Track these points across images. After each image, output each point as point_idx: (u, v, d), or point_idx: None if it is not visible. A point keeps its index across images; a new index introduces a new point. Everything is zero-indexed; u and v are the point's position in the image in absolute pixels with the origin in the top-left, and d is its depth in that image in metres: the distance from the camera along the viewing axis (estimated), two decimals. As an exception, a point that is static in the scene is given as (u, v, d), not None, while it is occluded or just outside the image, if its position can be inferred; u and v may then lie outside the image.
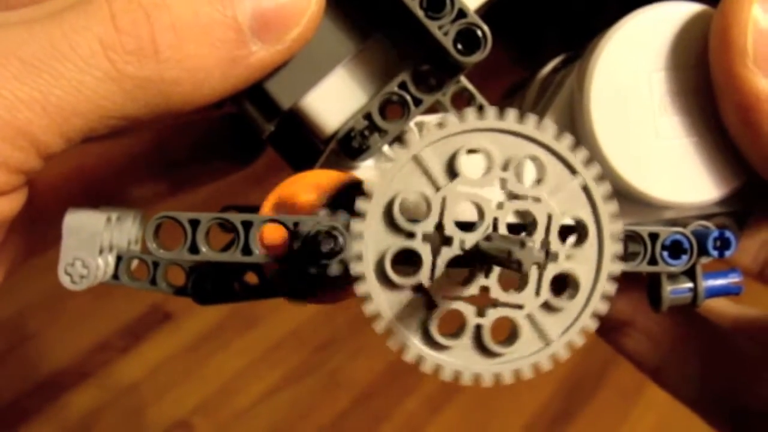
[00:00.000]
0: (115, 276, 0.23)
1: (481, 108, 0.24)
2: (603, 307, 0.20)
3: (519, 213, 0.20)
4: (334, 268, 0.20)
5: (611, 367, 0.93)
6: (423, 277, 0.20)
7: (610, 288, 0.20)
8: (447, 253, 0.20)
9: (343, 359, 0.94)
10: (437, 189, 0.20)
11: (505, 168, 0.20)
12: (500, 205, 0.20)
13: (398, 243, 0.20)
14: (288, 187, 0.22)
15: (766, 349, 0.29)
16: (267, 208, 0.22)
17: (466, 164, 0.20)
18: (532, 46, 1.33)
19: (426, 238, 0.20)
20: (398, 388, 0.90)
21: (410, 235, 0.20)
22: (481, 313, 0.20)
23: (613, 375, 0.93)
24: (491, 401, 0.90)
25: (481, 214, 0.20)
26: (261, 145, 0.29)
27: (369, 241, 0.20)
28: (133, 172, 0.29)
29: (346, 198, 0.21)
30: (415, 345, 0.20)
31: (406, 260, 0.20)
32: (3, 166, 0.19)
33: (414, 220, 0.20)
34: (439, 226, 0.20)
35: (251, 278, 0.25)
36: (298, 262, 0.21)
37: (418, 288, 0.20)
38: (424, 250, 0.20)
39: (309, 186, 0.22)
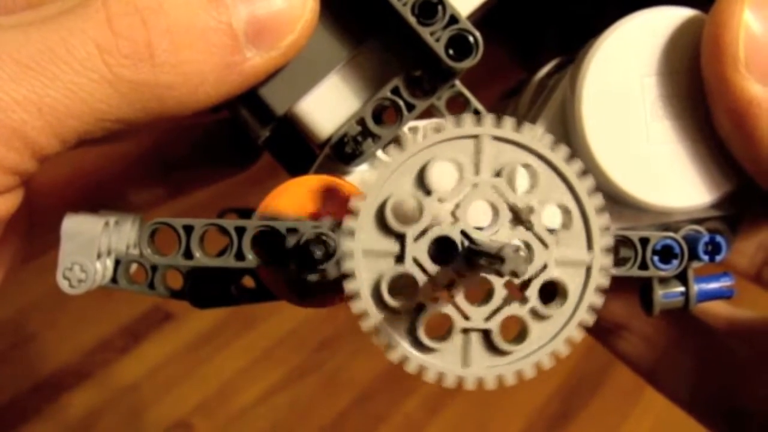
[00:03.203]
0: (114, 280, 0.23)
1: (476, 113, 0.24)
2: (598, 202, 0.20)
3: (477, 205, 0.20)
4: (329, 272, 0.20)
5: (611, 367, 0.93)
6: (461, 323, 0.20)
7: (590, 183, 0.20)
8: (457, 291, 0.20)
9: (343, 359, 0.94)
10: (400, 258, 0.20)
11: (427, 192, 0.20)
12: (454, 215, 0.20)
13: (419, 319, 0.20)
14: (275, 199, 0.22)
15: (759, 351, 0.29)
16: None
17: (402, 212, 0.20)
18: (533, 46, 1.33)
19: (426, 295, 0.20)
20: (398, 388, 0.91)
21: (420, 307, 0.20)
22: (524, 300, 0.20)
23: (613, 375, 0.93)
24: (491, 401, 0.90)
25: (448, 238, 0.20)
26: (259, 149, 0.29)
27: (392, 334, 0.20)
28: (132, 176, 0.29)
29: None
30: (502, 368, 0.20)
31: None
32: None
33: (402, 291, 0.20)
34: (432, 280, 0.20)
35: (248, 282, 0.25)
36: (290, 267, 0.21)
37: (464, 331, 0.20)
38: (442, 306, 0.20)
39: (299, 195, 0.22)
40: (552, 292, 0.21)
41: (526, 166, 0.20)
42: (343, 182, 0.23)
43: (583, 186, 0.20)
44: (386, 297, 0.20)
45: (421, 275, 0.20)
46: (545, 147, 0.20)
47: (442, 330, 0.20)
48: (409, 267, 0.20)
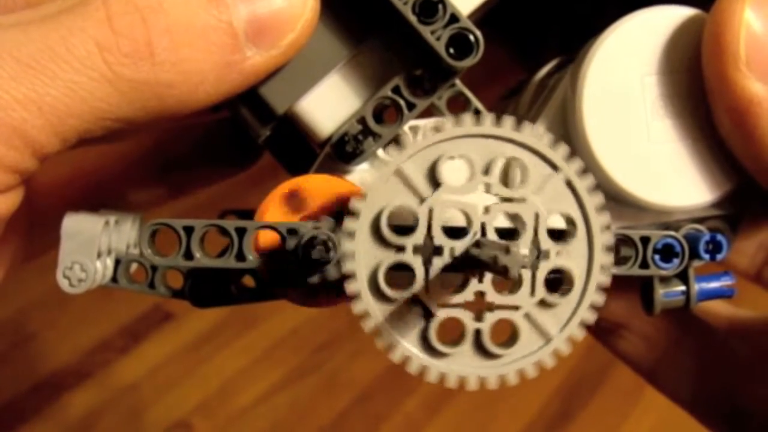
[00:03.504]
0: (114, 279, 0.23)
1: (477, 112, 0.24)
2: (599, 299, 0.20)
3: (508, 216, 0.20)
4: (329, 273, 0.20)
5: (611, 367, 0.93)
6: (417, 288, 0.20)
7: (605, 279, 0.20)
8: (439, 262, 0.20)
9: (343, 359, 0.94)
10: (422, 201, 0.20)
11: (486, 172, 0.20)
12: (487, 210, 0.20)
13: (390, 258, 0.20)
14: (310, 181, 0.22)
15: (760, 350, 0.29)
16: (280, 192, 0.22)
17: (448, 172, 0.20)
18: (534, 45, 1.33)
19: (417, 250, 0.20)
20: (398, 388, 0.91)
21: (400, 248, 0.20)
22: (479, 318, 0.20)
23: (613, 375, 0.93)
24: (491, 402, 0.90)
25: (468, 220, 0.20)
26: (259, 149, 0.29)
27: (361, 258, 0.20)
28: (133, 176, 0.29)
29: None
30: (417, 355, 0.20)
31: (399, 267, 0.20)
32: None
33: (405, 228, 0.20)
34: (429, 237, 0.20)
35: (248, 281, 0.25)
36: (290, 268, 0.21)
37: (414, 299, 0.20)
38: (416, 263, 0.20)
39: (325, 190, 0.22)
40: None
41: (571, 221, 0.20)
42: (341, 180, 0.23)
43: (597, 280, 0.20)
44: (384, 223, 0.20)
45: (424, 223, 0.20)
46: (599, 226, 0.20)
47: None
48: (422, 210, 0.20)
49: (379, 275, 0.20)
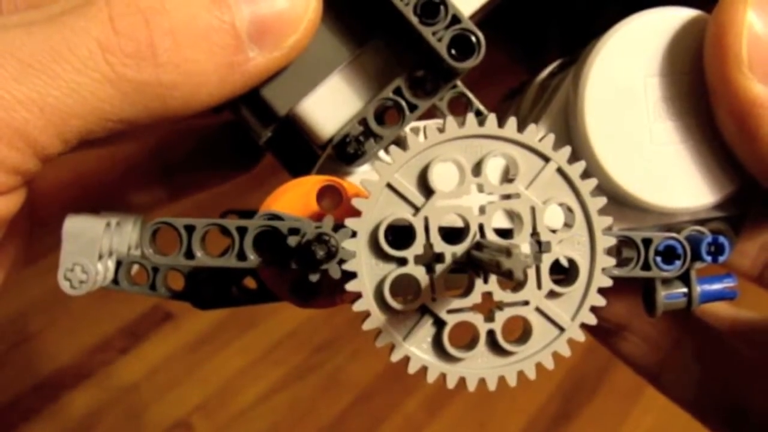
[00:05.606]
0: (115, 281, 0.23)
1: (478, 113, 0.24)
2: (606, 282, 0.21)
3: (506, 213, 0.20)
4: (331, 272, 0.20)
5: (611, 367, 0.93)
6: (425, 298, 0.20)
7: (610, 261, 0.21)
8: (441, 268, 0.20)
9: (343, 359, 0.94)
10: (416, 211, 0.20)
11: (476, 173, 0.20)
12: (482, 210, 0.20)
13: (393, 271, 0.20)
14: (276, 200, 0.22)
15: (763, 352, 0.29)
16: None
17: (440, 177, 0.20)
18: (535, 47, 1.33)
19: (418, 259, 0.20)
20: (398, 388, 0.91)
21: (402, 260, 0.20)
22: (490, 318, 0.20)
23: (613, 375, 0.93)
24: (491, 402, 0.90)
25: (465, 223, 0.20)
26: (261, 151, 0.29)
27: (365, 275, 0.20)
28: (134, 178, 0.29)
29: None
30: (433, 363, 0.20)
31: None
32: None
33: (407, 232, 0.20)
34: (429, 244, 0.20)
35: (250, 282, 0.25)
36: (292, 267, 0.21)
37: (423, 308, 0.20)
38: (420, 273, 0.20)
39: (299, 196, 0.22)
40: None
41: (568, 208, 0.20)
42: (345, 182, 0.22)
43: (601, 261, 0.20)
44: (382, 239, 0.20)
45: (422, 232, 0.20)
46: (594, 205, 0.20)
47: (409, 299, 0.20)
48: (417, 220, 0.20)
49: (385, 290, 0.20)
